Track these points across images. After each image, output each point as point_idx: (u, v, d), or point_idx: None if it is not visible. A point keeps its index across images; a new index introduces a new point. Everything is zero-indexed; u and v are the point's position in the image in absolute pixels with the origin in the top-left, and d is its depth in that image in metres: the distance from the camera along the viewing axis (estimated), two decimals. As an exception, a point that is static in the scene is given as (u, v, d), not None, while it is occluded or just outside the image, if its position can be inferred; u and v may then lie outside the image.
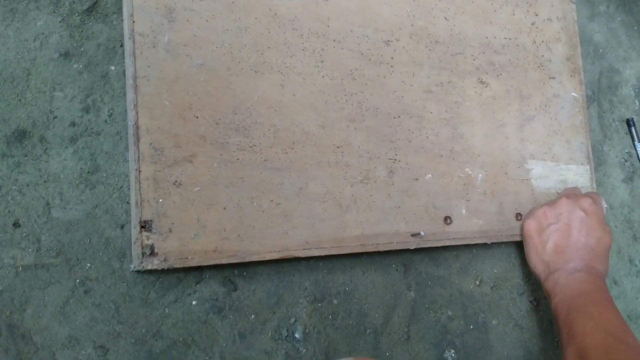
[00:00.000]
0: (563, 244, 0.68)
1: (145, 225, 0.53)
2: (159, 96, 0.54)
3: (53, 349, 0.54)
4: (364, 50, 0.65)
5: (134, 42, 0.53)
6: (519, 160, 0.74)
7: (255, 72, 0.59)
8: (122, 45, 0.58)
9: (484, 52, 0.73)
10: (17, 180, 0.54)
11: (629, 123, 0.89)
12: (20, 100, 0.55)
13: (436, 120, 0.69)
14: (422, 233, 0.66)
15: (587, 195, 0.71)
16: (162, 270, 0.58)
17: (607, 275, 0.68)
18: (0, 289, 0.53)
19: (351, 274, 0.67)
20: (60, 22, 0.57)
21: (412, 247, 0.66)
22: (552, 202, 0.71)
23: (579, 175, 0.79)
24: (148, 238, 0.52)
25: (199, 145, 0.56)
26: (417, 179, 0.67)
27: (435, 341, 0.71)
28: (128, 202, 0.57)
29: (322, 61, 0.63)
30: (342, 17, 0.64)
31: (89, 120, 0.57)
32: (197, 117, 0.56)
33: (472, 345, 0.73)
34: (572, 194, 0.72)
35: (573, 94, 0.80)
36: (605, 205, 0.74)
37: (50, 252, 0.54)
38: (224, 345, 0.60)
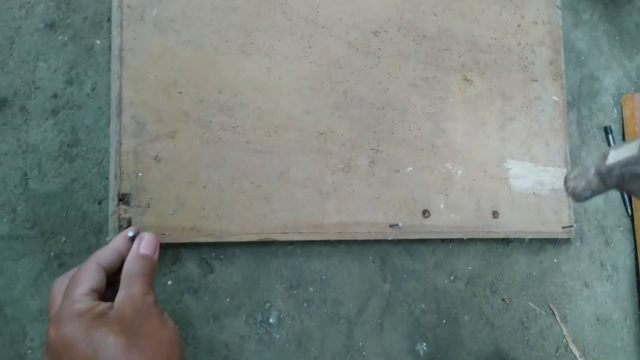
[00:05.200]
0: None
1: (123, 198, 0.52)
2: (144, 69, 0.54)
3: (24, 322, 0.53)
4: (352, 39, 0.66)
5: (122, 13, 0.53)
6: (498, 158, 0.75)
7: (242, 52, 0.59)
8: (108, 20, 0.58)
9: (469, 50, 0.74)
10: (-6, 148, 0.53)
11: (607, 131, 0.91)
12: (2, 68, 0.54)
13: (420, 114, 0.69)
14: (400, 224, 0.67)
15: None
16: (139, 248, 0.58)
17: None
18: (-28, 258, 0.52)
19: (328, 262, 0.67)
20: (47, -9, 0.56)
21: (390, 238, 0.67)
22: None
23: (555, 177, 0.80)
24: (126, 211, 0.52)
25: (181, 122, 0.55)
26: (397, 171, 0.68)
27: (407, 333, 0.71)
28: (107, 178, 0.56)
29: (310, 47, 0.63)
30: (331, 5, 0.65)
31: (72, 93, 0.56)
32: (181, 93, 0.56)
33: (443, 339, 0.73)
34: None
35: (554, 97, 0.81)
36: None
37: (26, 223, 0.54)
38: (198, 326, 0.60)
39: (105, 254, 0.47)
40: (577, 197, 0.55)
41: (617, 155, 0.51)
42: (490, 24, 0.76)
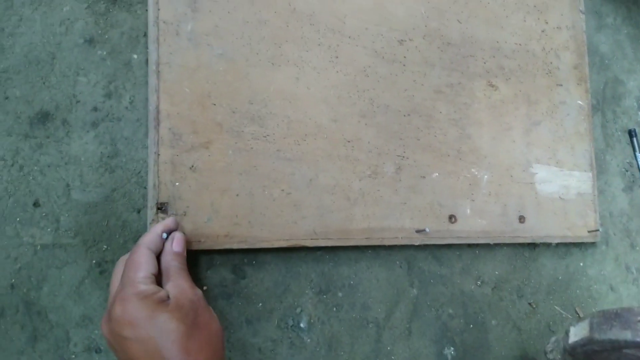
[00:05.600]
0: None
1: (161, 207, 0.54)
2: (179, 83, 0.56)
3: (67, 327, 0.55)
4: (377, 48, 0.67)
5: (158, 29, 0.55)
6: (524, 163, 0.76)
7: (272, 64, 0.61)
8: (145, 35, 0.60)
9: (494, 56, 0.74)
10: (38, 161, 0.56)
11: (631, 134, 0.90)
12: (44, 83, 0.57)
13: (445, 120, 0.70)
14: (427, 229, 0.68)
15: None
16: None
17: None
18: (19, 267, 0.54)
19: (356, 268, 0.68)
20: (86, 8, 0.58)
21: (417, 243, 0.68)
22: None
23: (581, 181, 0.80)
24: (163, 220, 0.54)
25: (215, 133, 0.57)
26: (423, 177, 0.69)
27: (435, 338, 0.72)
28: (145, 187, 0.58)
29: (337, 57, 0.65)
30: (358, 15, 0.66)
31: (111, 106, 0.59)
32: (214, 105, 0.58)
33: (471, 343, 0.74)
34: None
35: (579, 101, 0.81)
36: None
37: (69, 232, 0.56)
38: (232, 331, 0.61)
39: (152, 240, 0.51)
40: None
41: (575, 333, 0.57)
42: (515, 30, 0.77)
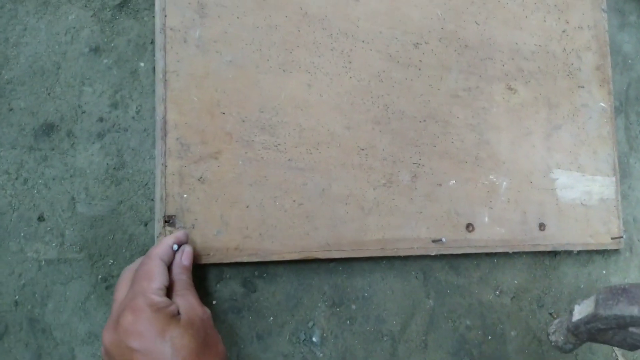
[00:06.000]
0: None
1: (169, 220, 0.53)
2: (187, 91, 0.54)
3: (72, 345, 0.54)
4: (392, 52, 0.65)
5: (165, 36, 0.54)
6: (544, 169, 0.73)
7: (284, 70, 0.59)
8: (152, 42, 0.58)
9: (513, 58, 0.72)
10: (43, 174, 0.54)
11: (656, 135, 0.88)
12: (49, 93, 0.55)
13: (462, 126, 0.68)
14: (444, 239, 0.65)
15: None
16: (183, 268, 0.58)
17: None
18: (23, 283, 0.53)
19: (370, 279, 0.66)
20: (91, 16, 0.57)
21: (433, 253, 0.66)
22: None
23: (604, 186, 0.78)
24: (171, 233, 0.52)
25: (224, 142, 0.56)
26: (440, 185, 0.66)
27: (452, 350, 0.70)
28: (152, 200, 0.57)
29: (350, 62, 0.62)
30: (371, 18, 0.64)
31: (117, 116, 0.57)
32: (224, 114, 0.56)
33: (489, 355, 0.72)
34: None
35: (601, 104, 0.78)
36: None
37: (74, 247, 0.54)
38: (242, 346, 0.60)
39: (164, 251, 0.50)
40: (562, 350, 0.57)
41: (580, 311, 0.53)
42: (534, 31, 0.74)
